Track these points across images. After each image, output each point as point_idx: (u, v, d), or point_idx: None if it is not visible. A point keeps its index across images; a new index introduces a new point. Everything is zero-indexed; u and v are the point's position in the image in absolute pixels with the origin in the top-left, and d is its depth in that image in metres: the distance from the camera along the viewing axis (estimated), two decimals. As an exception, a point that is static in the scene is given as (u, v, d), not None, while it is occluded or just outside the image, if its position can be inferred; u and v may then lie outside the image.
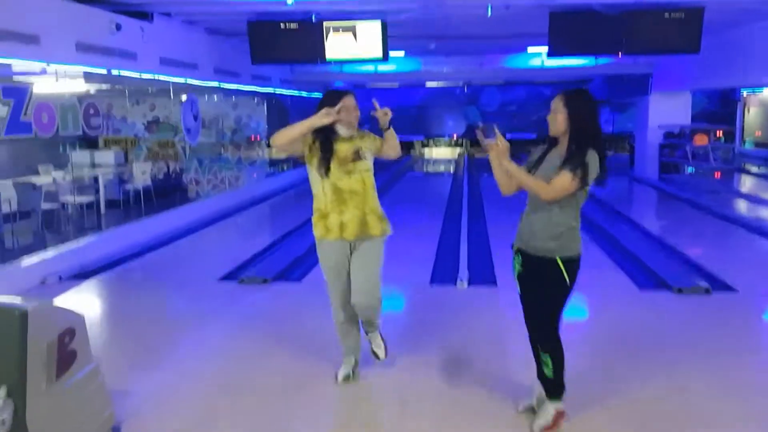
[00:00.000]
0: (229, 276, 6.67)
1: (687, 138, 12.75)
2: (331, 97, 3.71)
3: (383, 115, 3.73)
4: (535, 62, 14.73)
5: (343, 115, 3.67)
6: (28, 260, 6.63)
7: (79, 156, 11.74)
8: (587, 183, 3.11)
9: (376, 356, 4.02)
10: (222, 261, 7.20)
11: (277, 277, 6.54)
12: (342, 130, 3.75)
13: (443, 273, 6.66)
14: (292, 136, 3.59)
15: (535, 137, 23.22)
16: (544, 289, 3.21)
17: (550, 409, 3.29)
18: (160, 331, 5.17)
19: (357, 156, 3.72)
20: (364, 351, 4.10)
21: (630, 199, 13.47)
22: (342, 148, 3.73)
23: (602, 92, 20.44)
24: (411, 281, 6.42)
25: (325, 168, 3.68)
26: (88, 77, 7.83)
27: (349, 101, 3.73)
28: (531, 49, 13.72)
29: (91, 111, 8.13)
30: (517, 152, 17.11)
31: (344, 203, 3.70)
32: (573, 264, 3.18)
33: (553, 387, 3.28)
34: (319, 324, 4.82)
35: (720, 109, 19.28)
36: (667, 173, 13.88)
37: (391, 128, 3.81)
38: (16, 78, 7.50)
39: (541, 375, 3.33)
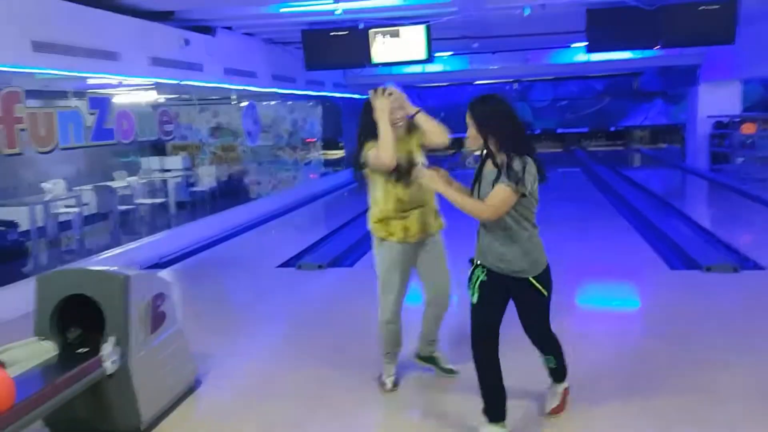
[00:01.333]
0: (288, 263, 7.34)
1: (737, 128, 12.71)
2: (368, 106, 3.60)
3: (389, 97, 3.53)
4: (581, 57, 14.93)
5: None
6: (109, 253, 7.41)
7: (150, 162, 12.74)
8: (526, 189, 2.93)
9: (451, 372, 4.00)
10: (281, 251, 7.88)
11: (332, 263, 7.16)
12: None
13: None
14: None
15: (587, 131, 23.26)
16: (525, 306, 3.17)
17: (559, 389, 3.45)
18: (229, 309, 5.89)
19: (411, 165, 3.49)
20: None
21: (681, 190, 13.53)
22: (400, 156, 3.57)
23: (655, 84, 20.34)
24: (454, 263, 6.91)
25: (396, 177, 3.59)
26: (159, 87, 8.66)
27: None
28: (575, 45, 13.98)
29: (165, 118, 8.97)
30: (570, 146, 17.39)
31: (406, 210, 3.65)
32: (546, 275, 3.11)
33: (558, 373, 3.42)
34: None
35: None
36: (717, 163, 13.83)
37: (420, 111, 3.60)
38: (90, 90, 8.39)
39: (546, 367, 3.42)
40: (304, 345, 4.81)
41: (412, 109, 3.59)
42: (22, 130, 5.94)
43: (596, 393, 3.71)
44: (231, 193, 13.05)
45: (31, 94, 6.16)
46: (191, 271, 7.48)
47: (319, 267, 7.00)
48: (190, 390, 3.98)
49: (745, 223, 9.24)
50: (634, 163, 19.13)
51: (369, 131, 3.55)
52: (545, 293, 3.11)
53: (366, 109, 3.60)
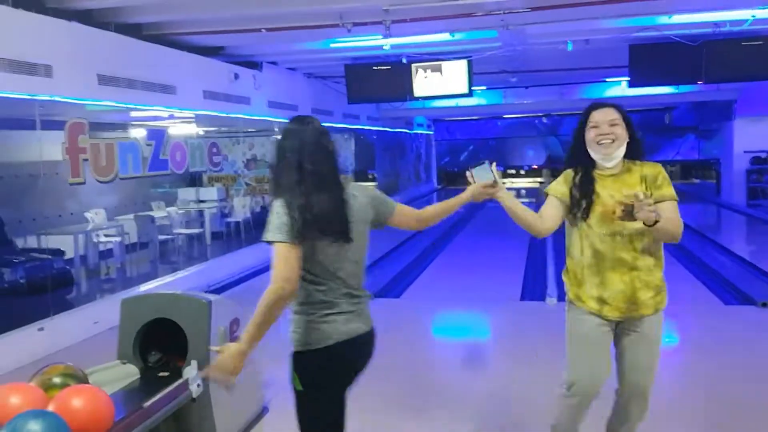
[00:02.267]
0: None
1: (775, 162, 12.66)
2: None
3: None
4: (615, 92, 15.02)
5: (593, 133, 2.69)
6: (148, 285, 7.31)
7: (186, 193, 12.98)
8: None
9: None
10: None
11: (378, 294, 7.20)
12: (600, 156, 2.70)
13: (532, 290, 7.14)
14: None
15: (617, 165, 23.17)
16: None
17: None
18: (285, 338, 5.92)
19: (628, 213, 2.45)
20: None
21: (718, 225, 13.41)
22: (605, 193, 2.67)
23: (688, 119, 20.30)
24: (502, 297, 6.94)
25: (581, 212, 2.71)
26: (208, 120, 8.90)
27: (600, 116, 2.75)
28: (610, 79, 14.08)
29: (214, 150, 9.19)
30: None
31: (605, 272, 2.70)
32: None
33: None
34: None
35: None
36: (754, 199, 13.70)
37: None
38: (144, 122, 8.67)
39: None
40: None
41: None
42: (85, 160, 6.13)
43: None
44: (265, 223, 13.17)
45: (92, 126, 6.39)
46: (238, 299, 7.54)
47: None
48: (259, 416, 4.02)
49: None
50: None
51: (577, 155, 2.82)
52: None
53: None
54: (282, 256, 2.26)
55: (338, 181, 2.42)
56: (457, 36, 7.78)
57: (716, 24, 7.86)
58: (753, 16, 6.93)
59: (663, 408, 3.95)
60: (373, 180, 17.18)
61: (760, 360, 4.78)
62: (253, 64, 9.48)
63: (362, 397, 4.32)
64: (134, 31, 7.10)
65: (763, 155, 13.51)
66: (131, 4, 6.37)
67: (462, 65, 9.41)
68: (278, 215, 2.30)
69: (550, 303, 6.52)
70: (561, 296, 6.61)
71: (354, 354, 2.46)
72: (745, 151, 13.85)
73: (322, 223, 2.29)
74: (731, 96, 13.80)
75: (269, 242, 2.29)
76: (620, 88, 14.68)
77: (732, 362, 4.73)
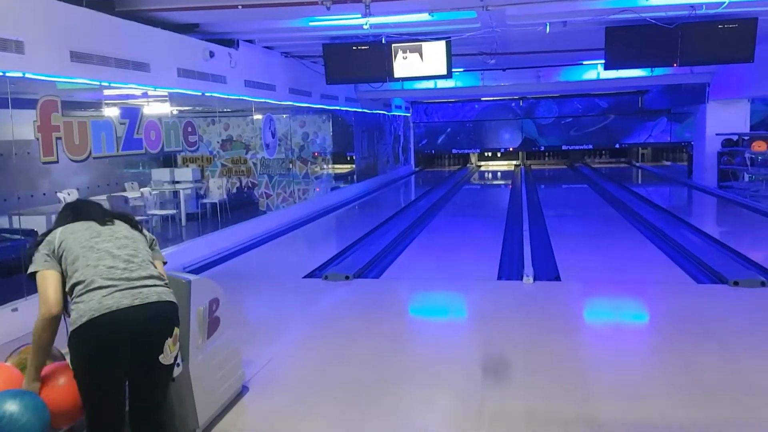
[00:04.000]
0: (312, 275, 7.38)
1: (746, 145, 12.85)
2: None
3: None
4: (591, 75, 15.14)
5: None
6: None
7: (160, 173, 12.77)
8: None
9: None
10: (303, 264, 7.91)
11: (357, 274, 7.21)
12: None
13: (510, 270, 7.22)
14: None
15: (591, 148, 23.46)
16: None
17: None
18: (261, 318, 5.91)
19: None
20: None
21: (690, 206, 13.65)
22: None
23: (660, 102, 20.55)
24: (480, 276, 7.00)
25: None
26: (182, 99, 8.75)
27: None
28: (586, 62, 14.17)
29: (189, 129, 9.06)
30: (575, 163, 17.78)
31: None
32: None
33: None
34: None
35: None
36: (725, 180, 13.96)
37: None
38: (119, 101, 8.48)
39: None
40: (342, 353, 4.85)
41: None
42: (58, 138, 5.99)
43: (645, 402, 3.76)
44: (241, 205, 13.08)
45: (65, 104, 6.24)
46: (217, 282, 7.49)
47: (346, 278, 7.04)
48: (239, 396, 4.01)
49: (760, 238, 9.33)
50: (639, 180, 19.29)
51: None
52: None
53: None
54: None
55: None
56: (437, 16, 7.73)
57: (692, 6, 7.93)
58: (728, -1, 7.02)
59: (639, 384, 4.05)
60: (351, 162, 17.13)
61: (732, 337, 4.90)
62: (229, 42, 9.32)
63: (342, 376, 4.37)
64: (107, 7, 6.92)
65: (735, 138, 13.75)
66: (103, -21, 6.23)
67: (441, 46, 9.38)
68: None
69: (526, 282, 6.60)
70: (537, 276, 6.72)
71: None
72: (716, 134, 14.07)
73: None
74: (705, 79, 13.99)
75: None
76: (596, 72, 14.82)
77: (705, 339, 4.84)
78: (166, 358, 2.80)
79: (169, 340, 2.80)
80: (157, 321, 2.77)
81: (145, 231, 3.15)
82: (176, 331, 2.85)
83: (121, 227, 3.00)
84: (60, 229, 2.93)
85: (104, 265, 2.77)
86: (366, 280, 7.11)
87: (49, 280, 2.77)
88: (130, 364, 2.72)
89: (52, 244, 2.85)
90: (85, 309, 2.65)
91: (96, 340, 2.64)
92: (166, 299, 2.83)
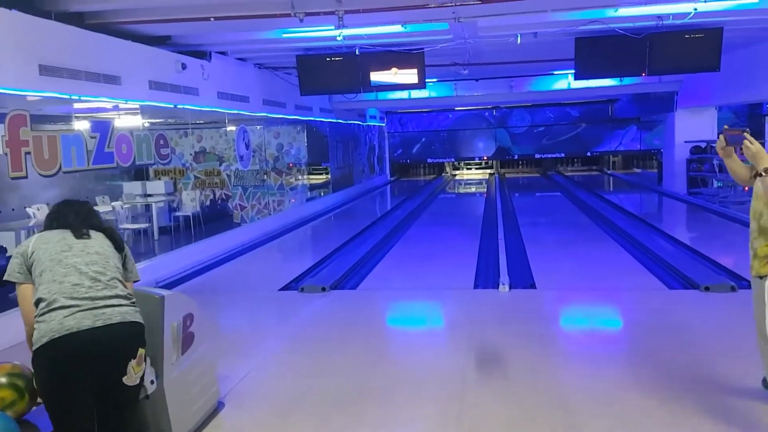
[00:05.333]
0: (288, 287, 7.33)
1: (714, 152, 13.12)
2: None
3: None
4: (562, 84, 15.37)
5: None
6: None
7: (132, 186, 12.59)
8: None
9: None
10: (279, 276, 7.86)
11: (334, 286, 7.18)
12: None
13: (485, 279, 7.25)
14: None
15: (564, 156, 23.77)
16: None
17: None
18: (237, 332, 5.85)
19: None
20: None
21: (660, 213, 13.89)
22: None
23: (629, 111, 20.92)
24: (456, 286, 7.02)
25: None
26: (154, 111, 8.66)
27: None
28: (557, 72, 14.38)
29: (161, 141, 8.96)
30: (548, 171, 17.90)
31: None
32: None
33: None
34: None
35: (749, 123, 19.54)
36: (695, 187, 14.23)
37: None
38: (90, 114, 8.36)
39: None
40: (320, 366, 4.82)
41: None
42: (27, 153, 5.89)
43: (616, 406, 3.80)
44: (215, 218, 12.96)
45: (34, 118, 6.13)
46: (191, 296, 7.40)
47: (323, 289, 7.00)
48: (215, 411, 3.96)
49: (729, 243, 9.52)
50: (610, 188, 19.58)
51: None
52: None
53: None
54: None
55: None
56: (409, 28, 7.79)
57: (660, 17, 8.10)
58: (695, 9, 7.16)
59: (615, 390, 4.10)
60: (327, 172, 17.11)
61: (704, 341, 4.98)
62: (202, 54, 9.27)
63: (321, 389, 4.34)
64: (77, 20, 6.84)
65: (703, 145, 14.03)
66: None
67: (415, 57, 9.43)
68: None
69: (502, 290, 6.64)
70: (513, 284, 6.77)
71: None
72: (685, 141, 14.35)
73: None
74: (673, 88, 14.28)
75: None
76: (567, 81, 15.05)
77: (677, 343, 4.91)
78: (129, 379, 2.76)
79: (133, 362, 2.76)
80: (119, 342, 2.75)
81: (125, 246, 3.11)
82: (141, 351, 2.81)
83: (95, 241, 2.96)
84: (36, 237, 2.94)
85: (69, 282, 2.74)
86: (343, 291, 7.09)
87: (23, 296, 2.85)
88: (94, 384, 2.69)
89: (26, 254, 2.86)
90: (45, 329, 2.63)
91: (56, 361, 2.62)
92: (130, 320, 2.80)
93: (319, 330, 5.76)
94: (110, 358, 2.72)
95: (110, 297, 2.78)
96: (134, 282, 3.12)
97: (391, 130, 23.38)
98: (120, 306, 2.79)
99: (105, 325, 2.70)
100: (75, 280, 2.76)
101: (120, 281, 2.91)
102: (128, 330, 2.78)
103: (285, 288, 7.31)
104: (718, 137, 3.46)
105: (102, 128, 7.19)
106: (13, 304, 5.31)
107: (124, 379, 2.73)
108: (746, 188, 3.51)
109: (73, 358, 2.63)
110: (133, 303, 2.89)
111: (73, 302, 2.69)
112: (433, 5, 6.86)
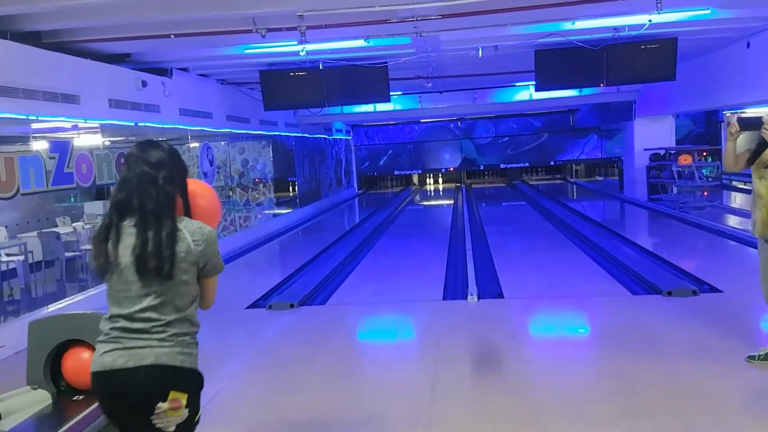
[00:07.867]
0: (256, 304, 7.25)
1: (672, 159, 13.47)
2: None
3: None
4: (524, 95, 15.63)
5: None
6: (56, 305, 6.84)
7: (93, 207, 12.32)
8: None
9: None
10: (247, 293, 7.77)
11: (302, 302, 7.13)
12: None
13: (454, 290, 7.29)
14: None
15: (528, 166, 24.11)
16: None
17: None
18: (205, 352, 5.73)
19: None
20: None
21: (622, 219, 14.16)
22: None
23: (590, 120, 21.36)
24: (425, 297, 7.04)
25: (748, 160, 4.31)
26: (115, 130, 8.53)
27: None
28: (518, 84, 14.62)
29: (123, 161, 8.80)
30: (513, 181, 18.15)
31: (755, 204, 4.28)
32: None
33: None
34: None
35: (706, 130, 20.12)
36: (655, 194, 14.56)
37: None
38: (48, 134, 8.18)
39: None
40: (289, 384, 4.77)
41: None
42: (-17, 175, 5.74)
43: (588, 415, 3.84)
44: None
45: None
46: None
47: (291, 306, 6.95)
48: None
49: (690, 248, 9.76)
50: (574, 196, 19.92)
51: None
52: None
53: None
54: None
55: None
56: (372, 42, 7.83)
57: (616, 29, 8.30)
58: (650, 21, 7.36)
59: (582, 396, 4.14)
60: (293, 187, 17.03)
61: (667, 345, 5.08)
62: (163, 71, 9.17)
63: (291, 407, 4.29)
64: (33, 39, 6.71)
65: (662, 152, 14.38)
66: (28, 12, 6.01)
67: (378, 71, 9.48)
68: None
69: (471, 301, 6.68)
70: (481, 294, 6.82)
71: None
72: (645, 149, 14.70)
73: None
74: (631, 97, 14.63)
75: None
76: (528, 92, 15.30)
77: (641, 348, 5.00)
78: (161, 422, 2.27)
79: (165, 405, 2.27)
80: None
81: None
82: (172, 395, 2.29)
83: None
84: None
85: None
86: (312, 307, 7.04)
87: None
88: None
89: None
90: None
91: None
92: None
93: (288, 347, 5.71)
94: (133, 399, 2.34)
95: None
96: None
97: (358, 143, 23.42)
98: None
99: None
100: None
101: None
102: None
103: (253, 305, 7.23)
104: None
105: (61, 148, 7.04)
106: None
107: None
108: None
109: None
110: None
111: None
112: (395, 20, 6.92)
